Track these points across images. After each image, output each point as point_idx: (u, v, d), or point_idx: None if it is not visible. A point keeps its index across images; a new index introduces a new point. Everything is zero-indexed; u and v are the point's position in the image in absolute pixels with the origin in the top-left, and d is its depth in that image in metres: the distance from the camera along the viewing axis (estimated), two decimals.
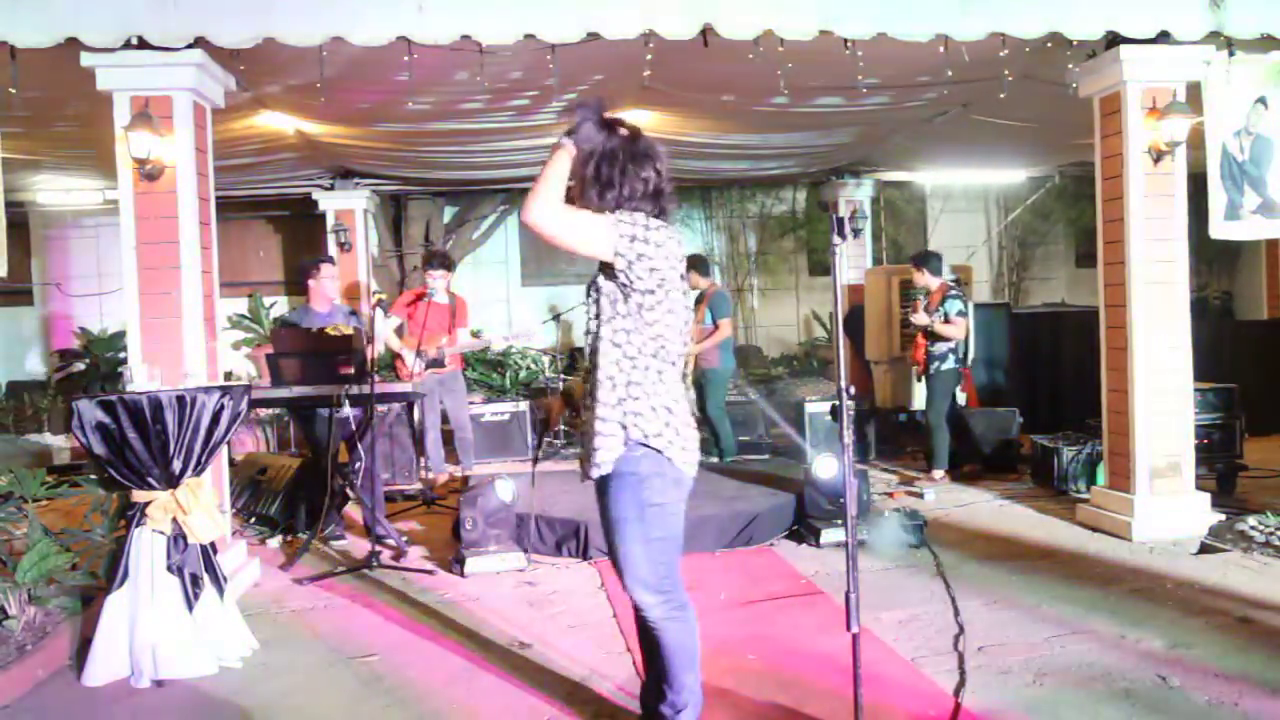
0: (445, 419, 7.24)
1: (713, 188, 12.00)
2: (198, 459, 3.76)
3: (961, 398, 7.19)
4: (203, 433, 3.73)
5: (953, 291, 7.02)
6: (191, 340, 4.77)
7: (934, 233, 12.74)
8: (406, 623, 4.29)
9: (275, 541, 5.89)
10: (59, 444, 9.18)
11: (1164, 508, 5.37)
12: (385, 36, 4.64)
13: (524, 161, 8.82)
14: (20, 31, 4.42)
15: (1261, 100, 5.45)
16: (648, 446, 2.62)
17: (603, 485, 2.71)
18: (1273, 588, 4.38)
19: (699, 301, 7.82)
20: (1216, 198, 5.49)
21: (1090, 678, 3.44)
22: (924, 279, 7.19)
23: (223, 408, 3.80)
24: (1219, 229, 5.52)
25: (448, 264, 7.11)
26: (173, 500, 3.70)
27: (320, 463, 5.70)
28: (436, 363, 6.92)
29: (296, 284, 11.58)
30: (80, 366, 10.65)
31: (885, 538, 5.23)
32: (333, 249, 9.92)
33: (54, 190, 9.75)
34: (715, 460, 7.61)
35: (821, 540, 5.35)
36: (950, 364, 6.96)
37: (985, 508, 6.35)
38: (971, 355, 7.05)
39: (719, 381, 7.71)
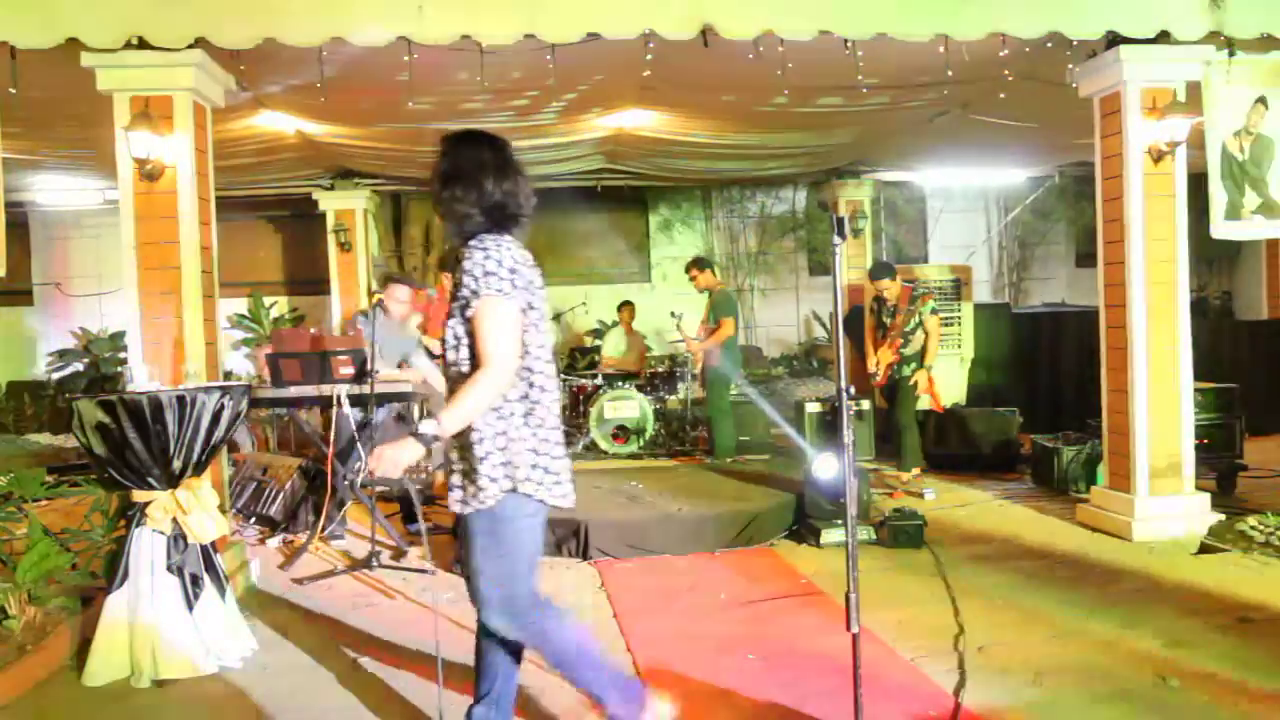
0: None
1: (713, 188, 12.01)
2: (198, 459, 3.76)
3: (926, 400, 7.15)
4: (203, 433, 3.73)
5: (916, 292, 6.98)
6: (191, 340, 4.77)
7: (934, 233, 12.74)
8: (407, 623, 4.29)
9: (275, 541, 5.89)
10: (59, 444, 9.18)
11: (1164, 508, 5.37)
12: (385, 36, 4.64)
13: (524, 161, 8.81)
14: (20, 31, 4.43)
15: (1261, 100, 5.45)
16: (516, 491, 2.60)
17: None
18: (1273, 588, 4.37)
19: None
20: (1217, 198, 5.49)
21: (1090, 678, 3.44)
22: (887, 286, 6.98)
23: (223, 408, 3.80)
24: (1220, 229, 5.52)
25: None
26: (173, 500, 3.70)
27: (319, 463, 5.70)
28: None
29: (297, 284, 11.61)
30: (80, 366, 10.65)
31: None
32: (332, 249, 9.92)
33: (54, 190, 9.76)
34: (709, 460, 7.61)
35: (821, 540, 5.35)
36: (914, 366, 6.92)
37: (985, 508, 6.35)
38: (934, 359, 6.95)
39: (723, 381, 7.70)
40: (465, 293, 2.55)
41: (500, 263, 2.55)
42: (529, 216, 2.76)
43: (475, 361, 2.56)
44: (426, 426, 2.51)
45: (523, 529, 2.62)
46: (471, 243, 2.60)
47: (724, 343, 7.61)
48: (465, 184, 2.63)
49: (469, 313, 2.55)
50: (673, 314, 8.78)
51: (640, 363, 9.54)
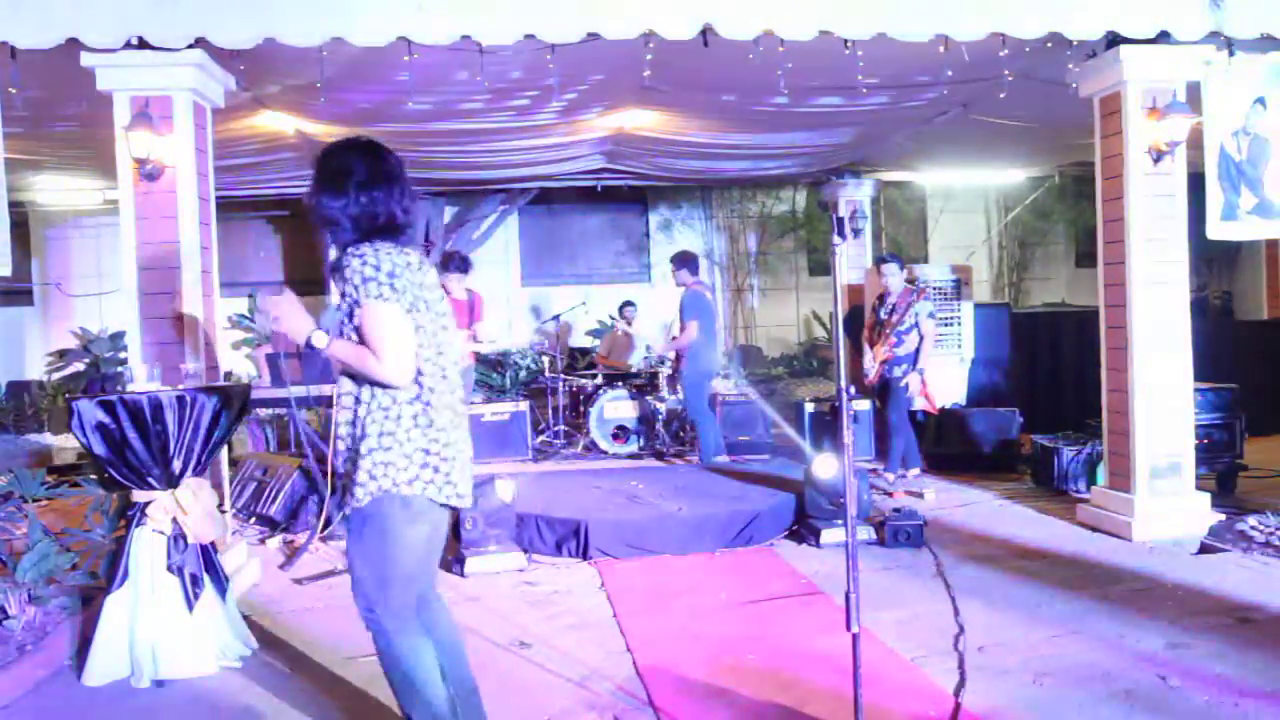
0: None
1: (713, 188, 12.01)
2: (198, 459, 3.76)
3: (921, 402, 7.14)
4: (203, 433, 3.73)
5: (915, 292, 6.98)
6: (191, 340, 4.77)
7: (934, 233, 12.75)
8: None
9: (275, 541, 5.89)
10: (59, 444, 9.18)
11: (1164, 508, 5.37)
12: (385, 36, 4.64)
13: (524, 161, 8.83)
14: (20, 31, 4.43)
15: (1260, 100, 5.45)
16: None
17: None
18: (1273, 588, 4.38)
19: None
20: (1213, 198, 5.49)
21: (1090, 678, 3.44)
22: (893, 275, 6.99)
23: (223, 408, 3.80)
24: (1216, 230, 5.52)
25: (464, 268, 7.16)
26: (173, 500, 3.70)
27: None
28: None
29: (296, 284, 11.61)
30: (80, 366, 10.65)
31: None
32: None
33: (54, 190, 9.76)
34: (698, 462, 7.61)
35: (821, 540, 5.35)
36: (906, 368, 6.91)
37: (985, 508, 6.35)
38: (926, 362, 6.95)
39: (695, 384, 7.56)
40: (347, 302, 2.57)
41: (377, 268, 2.53)
42: (407, 225, 2.73)
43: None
44: (319, 339, 2.56)
45: (396, 533, 2.59)
46: (349, 250, 2.60)
47: (697, 345, 7.48)
48: (331, 193, 2.63)
49: (355, 320, 2.56)
50: (612, 317, 8.76)
51: (628, 364, 9.53)
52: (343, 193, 2.62)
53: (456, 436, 2.69)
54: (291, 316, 2.61)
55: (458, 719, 2.75)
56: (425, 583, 2.79)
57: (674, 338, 7.60)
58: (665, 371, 8.68)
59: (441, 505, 2.65)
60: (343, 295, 2.59)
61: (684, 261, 7.71)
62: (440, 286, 2.80)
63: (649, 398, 8.51)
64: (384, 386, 2.57)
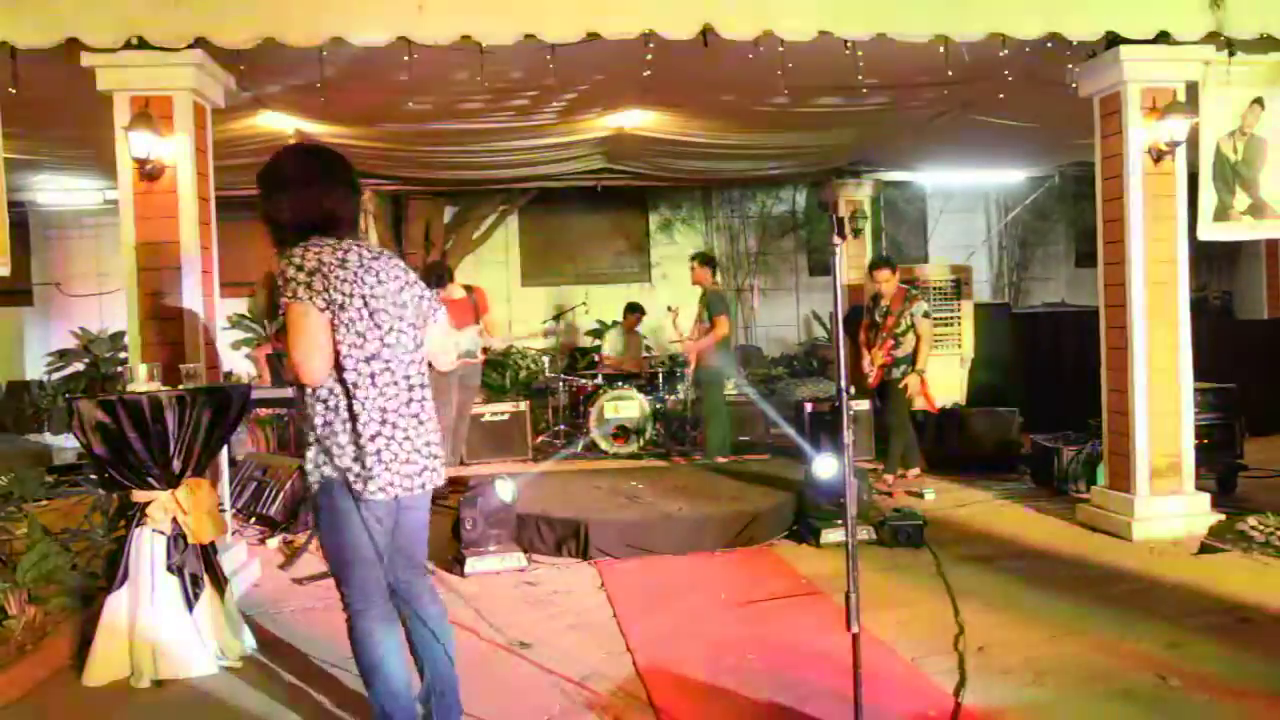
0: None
1: (713, 188, 12.00)
2: (198, 459, 3.76)
3: (920, 402, 7.15)
4: (203, 433, 3.73)
5: (909, 294, 6.98)
6: (191, 340, 4.77)
7: (934, 233, 12.74)
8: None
9: (275, 541, 5.89)
10: (59, 444, 9.18)
11: (1164, 508, 5.37)
12: (385, 36, 4.64)
13: (524, 161, 8.83)
14: (20, 31, 4.43)
15: (1258, 101, 5.45)
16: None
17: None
18: (1273, 588, 4.38)
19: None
20: (1206, 199, 5.49)
21: (1090, 678, 3.44)
22: (886, 278, 7.00)
23: (223, 408, 3.80)
24: (1207, 230, 5.51)
25: (439, 282, 7.05)
26: (173, 500, 3.70)
27: None
28: (468, 353, 7.00)
29: None
30: (80, 366, 10.65)
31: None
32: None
33: (54, 190, 9.75)
34: (702, 459, 7.61)
35: (821, 540, 5.34)
36: (905, 368, 6.91)
37: (985, 508, 6.35)
38: (925, 362, 6.94)
39: (718, 381, 7.69)
40: (281, 300, 2.64)
41: (301, 267, 2.61)
42: (342, 219, 2.78)
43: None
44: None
45: (338, 519, 2.68)
46: (285, 252, 2.68)
47: (719, 342, 7.58)
48: (269, 199, 2.75)
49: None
50: (669, 308, 8.80)
51: (639, 363, 9.54)
52: (274, 196, 2.74)
53: (392, 433, 2.70)
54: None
55: (422, 705, 2.84)
56: (404, 572, 2.86)
57: (705, 332, 7.63)
58: (684, 368, 8.69)
59: (367, 500, 2.69)
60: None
61: (708, 260, 7.90)
62: (410, 286, 2.86)
63: (649, 397, 8.51)
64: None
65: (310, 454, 2.69)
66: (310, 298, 2.57)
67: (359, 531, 2.67)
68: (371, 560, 2.71)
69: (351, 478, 2.65)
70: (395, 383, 2.72)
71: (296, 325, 2.58)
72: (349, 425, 2.65)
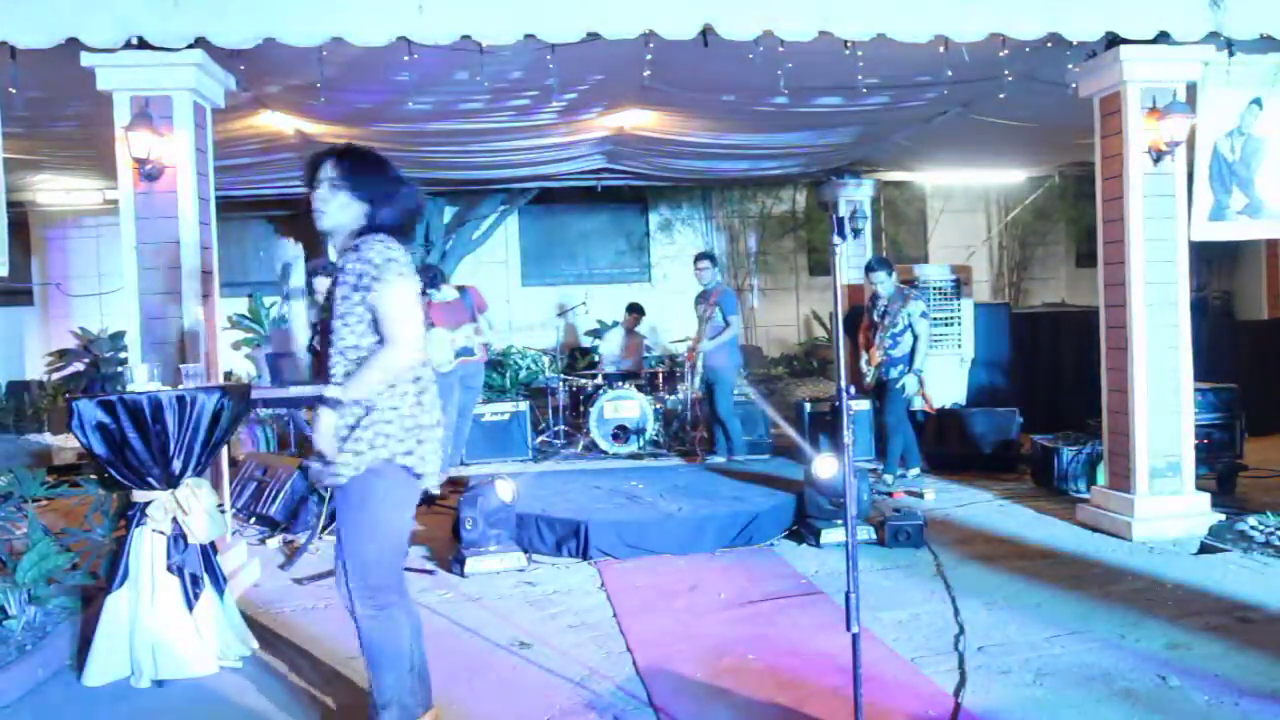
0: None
1: (713, 188, 12.01)
2: (198, 459, 3.76)
3: (919, 402, 7.15)
4: (203, 433, 3.73)
5: (905, 294, 6.97)
6: (191, 340, 4.77)
7: (934, 233, 12.74)
8: None
9: (275, 541, 5.89)
10: (59, 444, 9.18)
11: (1164, 508, 5.37)
12: (385, 36, 4.64)
13: (524, 161, 8.83)
14: (20, 31, 4.43)
15: (1257, 101, 5.45)
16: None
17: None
18: (1273, 588, 4.38)
19: (704, 299, 7.82)
20: (1202, 198, 5.49)
21: (1090, 678, 3.44)
22: (881, 281, 7.00)
23: (223, 408, 3.80)
24: (1201, 230, 5.51)
25: (434, 284, 7.05)
26: (173, 500, 3.70)
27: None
28: (466, 350, 7.01)
29: None
30: (80, 366, 10.64)
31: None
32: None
33: (54, 190, 9.75)
34: (721, 460, 7.60)
35: (821, 540, 5.35)
36: (903, 369, 6.92)
37: (985, 508, 6.35)
38: (922, 362, 6.94)
39: (730, 381, 7.72)
40: (356, 293, 2.74)
41: (396, 254, 2.77)
42: (411, 230, 2.99)
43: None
44: (333, 392, 2.71)
45: (392, 503, 2.79)
46: (367, 241, 2.79)
47: (730, 342, 7.64)
48: (385, 181, 2.86)
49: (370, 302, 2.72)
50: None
51: (639, 363, 9.54)
52: (388, 186, 2.82)
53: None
54: (324, 435, 2.72)
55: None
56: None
57: (722, 330, 7.66)
58: (676, 370, 8.70)
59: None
60: (349, 290, 2.72)
61: (714, 259, 7.95)
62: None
63: (649, 397, 8.50)
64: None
65: (365, 435, 2.68)
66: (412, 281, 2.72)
67: (410, 517, 2.81)
68: (405, 547, 2.85)
69: (414, 460, 2.74)
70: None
71: (407, 302, 2.69)
72: (421, 409, 2.76)
